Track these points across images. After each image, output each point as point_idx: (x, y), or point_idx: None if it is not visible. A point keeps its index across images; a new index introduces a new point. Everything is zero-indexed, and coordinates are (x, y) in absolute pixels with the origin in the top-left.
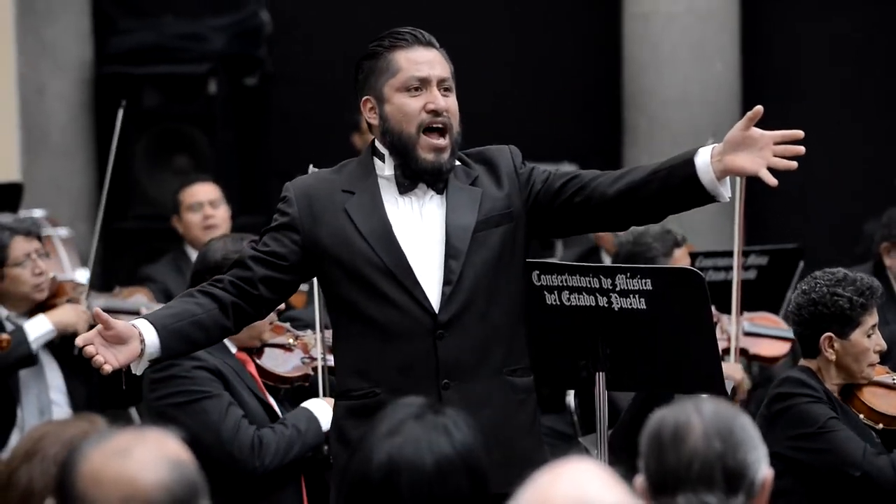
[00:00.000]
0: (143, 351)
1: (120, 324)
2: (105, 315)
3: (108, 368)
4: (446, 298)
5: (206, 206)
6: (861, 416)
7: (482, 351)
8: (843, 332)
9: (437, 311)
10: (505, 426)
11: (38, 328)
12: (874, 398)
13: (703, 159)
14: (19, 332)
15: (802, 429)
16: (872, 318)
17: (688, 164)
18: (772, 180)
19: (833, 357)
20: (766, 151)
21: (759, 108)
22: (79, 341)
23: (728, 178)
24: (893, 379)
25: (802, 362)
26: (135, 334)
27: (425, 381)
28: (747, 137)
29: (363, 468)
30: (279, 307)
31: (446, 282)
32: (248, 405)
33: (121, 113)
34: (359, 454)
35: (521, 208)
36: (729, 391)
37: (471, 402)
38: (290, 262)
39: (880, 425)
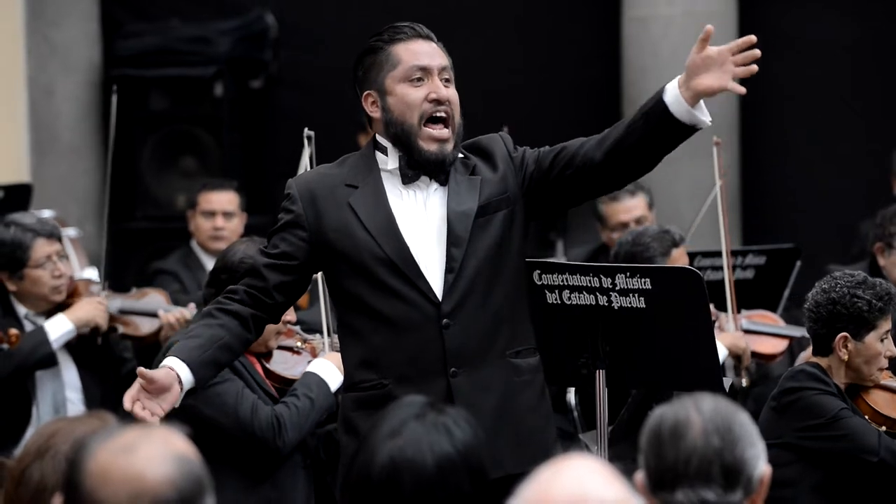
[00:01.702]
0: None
1: (160, 374)
2: (148, 372)
3: (155, 420)
4: (449, 286)
5: (217, 217)
6: (867, 417)
7: (486, 336)
8: (858, 333)
9: (440, 301)
10: (512, 408)
11: (59, 328)
12: (879, 401)
13: (672, 93)
14: (39, 332)
15: (816, 419)
16: (887, 324)
17: (659, 102)
18: (740, 89)
19: (845, 357)
20: (727, 66)
21: (709, 27)
22: (126, 403)
23: (703, 104)
24: None
25: (813, 359)
26: (174, 378)
27: (433, 370)
28: (706, 58)
29: (366, 469)
30: (291, 319)
31: (448, 270)
32: (257, 395)
33: (114, 100)
34: (361, 455)
35: (517, 191)
36: (732, 363)
37: (478, 388)
38: (299, 260)
39: (883, 428)
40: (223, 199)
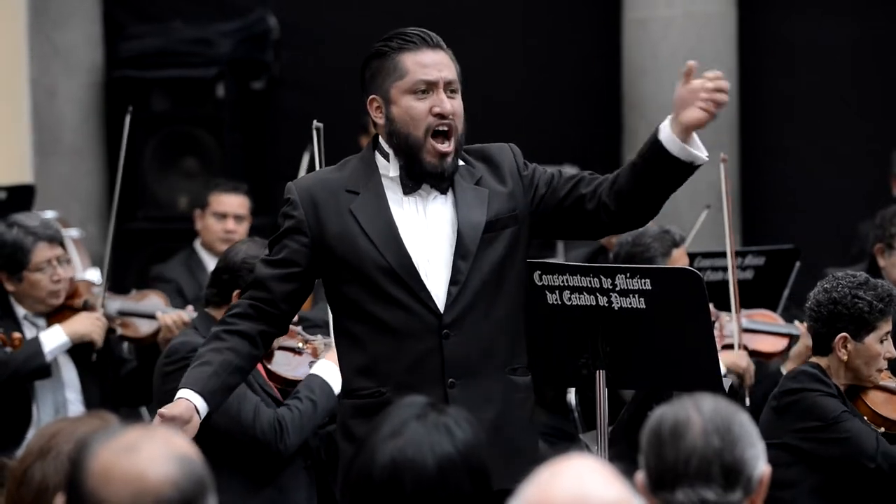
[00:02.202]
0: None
1: (180, 409)
2: (169, 412)
3: None
4: (453, 299)
5: (229, 219)
6: (865, 418)
7: (486, 350)
8: (858, 334)
9: (442, 311)
10: (507, 423)
11: (54, 340)
12: (878, 401)
13: (665, 132)
14: (34, 343)
15: (816, 421)
16: (887, 325)
17: (654, 143)
18: (710, 116)
19: (845, 357)
20: (706, 96)
21: (691, 63)
22: None
23: (698, 140)
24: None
25: (813, 359)
26: (192, 410)
27: (431, 379)
28: (689, 91)
29: (367, 469)
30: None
31: (453, 282)
32: (260, 398)
33: (128, 119)
34: (362, 455)
35: (525, 209)
36: (736, 380)
37: (476, 400)
38: (302, 266)
39: (882, 429)
40: (235, 203)
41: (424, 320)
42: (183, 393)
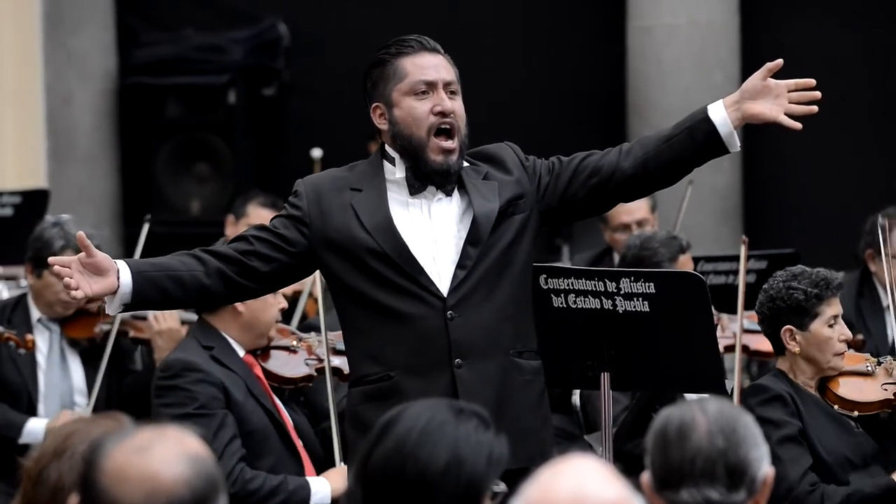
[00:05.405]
0: (117, 289)
1: (101, 255)
2: (88, 241)
3: (79, 294)
4: (458, 282)
5: None
6: (836, 406)
7: (491, 331)
8: (801, 323)
9: (445, 295)
10: (512, 404)
11: (34, 432)
12: (844, 388)
13: (720, 114)
14: (17, 425)
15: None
16: (832, 309)
17: (705, 121)
18: (794, 125)
19: (796, 349)
20: (782, 99)
21: (779, 60)
22: (53, 260)
23: (737, 130)
24: (868, 367)
25: (777, 363)
26: (113, 268)
27: (439, 361)
28: (765, 87)
29: (385, 426)
30: (284, 306)
31: (461, 266)
32: (251, 413)
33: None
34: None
35: (532, 197)
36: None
37: (482, 381)
38: (294, 249)
39: (855, 412)
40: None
41: (428, 303)
42: (116, 261)
